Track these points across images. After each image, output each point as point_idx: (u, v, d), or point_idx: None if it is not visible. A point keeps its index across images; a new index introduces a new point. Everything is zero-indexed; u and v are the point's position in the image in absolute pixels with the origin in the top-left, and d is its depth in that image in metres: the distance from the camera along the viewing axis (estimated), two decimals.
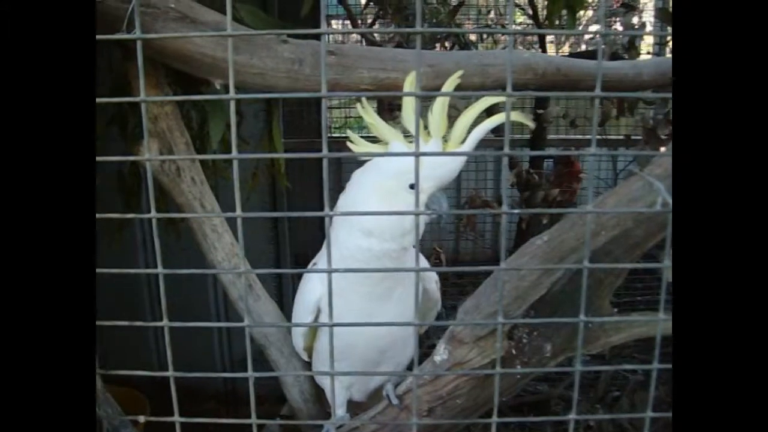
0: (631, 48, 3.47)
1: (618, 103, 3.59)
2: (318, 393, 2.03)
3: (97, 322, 1.27)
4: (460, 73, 1.51)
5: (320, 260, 1.82)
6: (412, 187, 1.54)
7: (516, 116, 1.49)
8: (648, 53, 4.67)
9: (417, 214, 1.18)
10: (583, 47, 7.00)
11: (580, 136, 5.00)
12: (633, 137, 4.39)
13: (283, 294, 3.87)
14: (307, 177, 3.88)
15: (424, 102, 1.57)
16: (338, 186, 1.72)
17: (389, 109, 3.27)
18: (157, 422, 1.31)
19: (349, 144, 1.64)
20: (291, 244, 3.98)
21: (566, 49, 7.11)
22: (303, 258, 1.79)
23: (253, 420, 1.32)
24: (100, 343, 3.89)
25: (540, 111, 4.15)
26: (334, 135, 5.70)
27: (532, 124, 1.52)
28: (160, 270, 1.21)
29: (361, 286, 1.69)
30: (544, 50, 4.95)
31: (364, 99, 1.58)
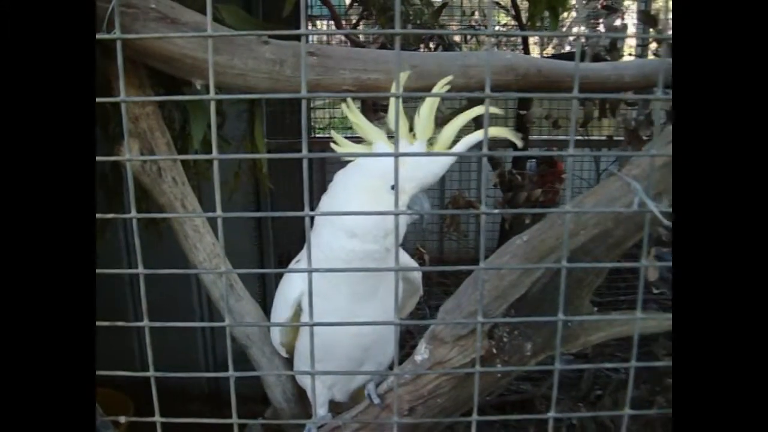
0: (613, 50, 3.49)
1: (600, 105, 3.61)
2: (300, 393, 2.03)
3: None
4: (448, 79, 1.51)
5: (303, 259, 1.82)
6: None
7: (505, 132, 1.53)
8: (630, 55, 4.70)
9: (397, 214, 1.19)
10: (567, 48, 7.04)
11: (563, 137, 5.02)
12: (615, 138, 4.42)
13: (267, 294, 3.85)
14: (291, 178, 3.87)
15: (409, 104, 1.57)
16: (323, 187, 1.72)
17: (374, 110, 3.27)
18: (141, 423, 1.32)
19: (332, 145, 1.64)
20: (275, 244, 3.98)
21: (550, 50, 7.15)
22: (287, 258, 1.80)
23: (234, 420, 1.32)
24: None
25: (523, 112, 4.16)
26: (317, 136, 5.70)
27: (519, 143, 1.53)
28: (140, 270, 1.20)
29: (344, 286, 1.69)
30: (527, 52, 4.98)
31: (349, 99, 1.57)
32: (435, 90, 1.52)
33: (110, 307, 3.79)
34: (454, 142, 1.53)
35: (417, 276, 1.95)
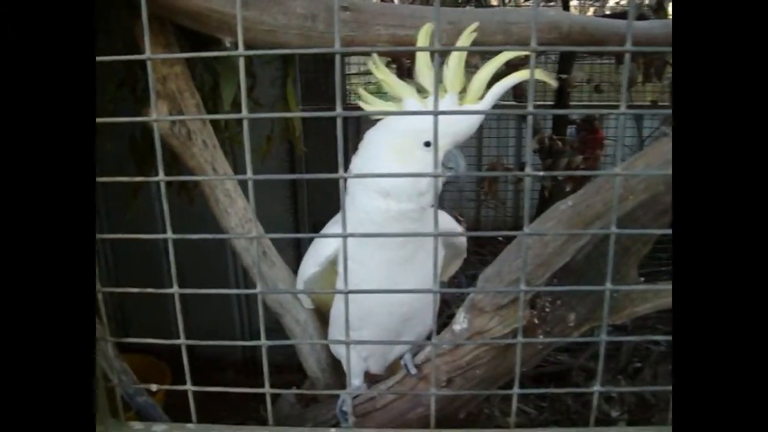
0: (660, 10, 3.36)
1: (644, 68, 3.49)
2: (335, 363, 1.99)
3: (108, 289, 1.25)
4: (475, 25, 1.43)
5: (338, 221, 1.75)
6: (427, 144, 1.48)
7: (538, 74, 1.40)
8: None
9: (435, 176, 1.12)
10: (607, 13, 6.84)
11: (604, 102, 4.90)
12: (659, 103, 4.30)
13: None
14: (327, 144, 3.81)
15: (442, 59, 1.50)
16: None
17: (410, 75, 3.19)
18: (179, 390, 1.30)
19: (361, 103, 1.58)
20: (310, 211, 3.95)
21: (590, 14, 6.96)
22: (321, 225, 1.75)
23: (267, 389, 1.29)
24: (120, 311, 3.88)
25: (563, 76, 4.05)
26: (352, 102, 5.64)
27: (554, 83, 1.44)
28: (169, 235, 1.17)
29: (382, 250, 1.62)
30: None
31: (375, 55, 1.51)
32: (462, 39, 1.44)
33: (146, 275, 3.81)
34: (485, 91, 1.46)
35: (463, 241, 1.88)
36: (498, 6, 4.82)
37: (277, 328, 1.98)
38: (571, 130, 4.68)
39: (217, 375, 3.94)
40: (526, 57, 1.23)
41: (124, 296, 3.85)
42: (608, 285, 1.13)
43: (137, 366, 2.12)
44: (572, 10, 5.34)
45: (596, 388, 1.26)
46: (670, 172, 1.37)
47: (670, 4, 3.49)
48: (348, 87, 5.96)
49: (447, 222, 1.83)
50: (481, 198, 5.00)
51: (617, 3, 6.48)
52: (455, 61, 1.44)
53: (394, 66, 2.84)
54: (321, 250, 1.73)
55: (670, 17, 3.62)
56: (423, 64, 1.46)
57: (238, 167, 2.13)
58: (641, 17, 3.22)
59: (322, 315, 1.95)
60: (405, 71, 2.73)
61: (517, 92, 4.64)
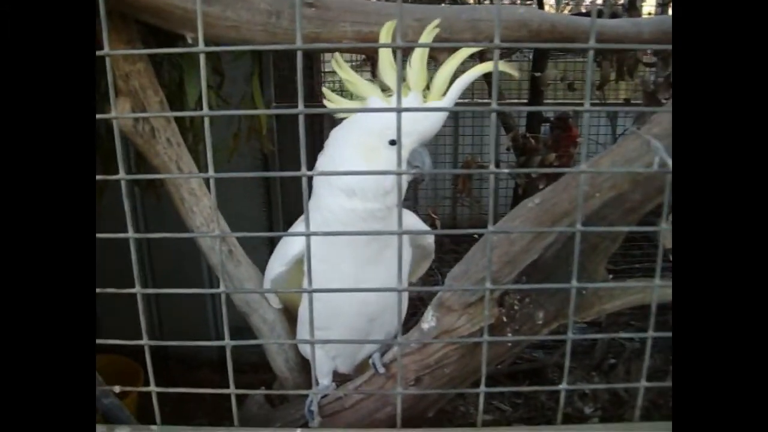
0: (632, 8, 3.37)
1: (617, 66, 3.50)
2: (304, 362, 1.97)
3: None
4: (437, 21, 1.43)
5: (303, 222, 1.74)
6: (392, 143, 1.47)
7: (503, 66, 1.39)
8: (649, 14, 4.55)
9: (399, 174, 1.11)
10: (583, 11, 6.87)
11: (578, 100, 4.91)
12: (632, 102, 4.32)
13: None
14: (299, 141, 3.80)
15: (405, 57, 1.49)
16: None
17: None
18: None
19: (325, 101, 1.57)
20: (284, 210, 3.92)
21: (566, 12, 6.99)
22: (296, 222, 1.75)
23: (232, 390, 1.27)
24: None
25: (537, 74, 4.06)
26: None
27: (516, 74, 1.43)
28: (130, 234, 1.15)
29: (348, 250, 1.61)
30: None
31: (337, 55, 1.51)
32: (424, 36, 1.43)
33: (117, 275, 3.76)
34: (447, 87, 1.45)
35: (429, 239, 1.87)
36: (474, 2, 4.83)
37: (250, 327, 1.96)
38: (545, 128, 4.69)
39: (191, 374, 3.91)
40: (502, 54, 1.23)
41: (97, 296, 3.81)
42: (574, 282, 1.13)
43: (109, 367, 2.09)
44: (547, 8, 5.36)
45: (563, 386, 1.26)
46: (635, 169, 1.39)
47: (643, 3, 3.51)
48: (325, 86, 5.94)
49: (412, 222, 1.83)
50: (456, 195, 4.99)
51: (592, 2, 6.50)
52: (418, 59, 1.43)
53: (368, 63, 2.83)
54: (287, 249, 1.72)
55: (644, 15, 3.65)
56: (386, 62, 1.45)
57: (204, 165, 2.11)
58: (614, 15, 3.23)
59: (291, 315, 1.94)
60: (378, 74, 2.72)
61: (492, 89, 4.67)
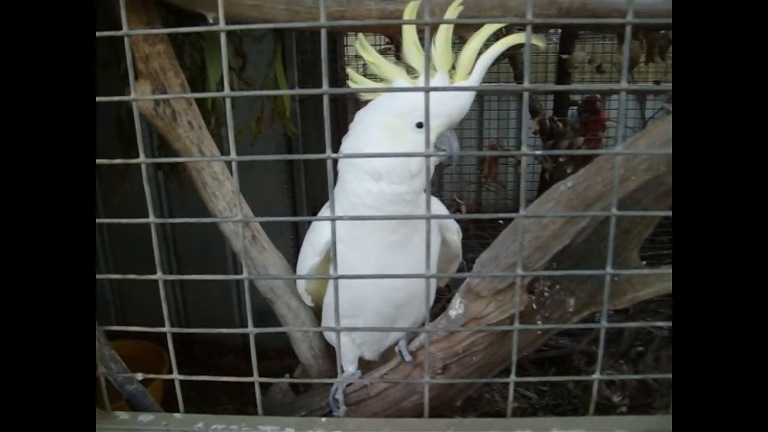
0: None
1: (648, 47, 3.41)
2: (329, 349, 1.94)
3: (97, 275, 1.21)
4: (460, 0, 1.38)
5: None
6: (419, 126, 1.43)
7: (533, 40, 1.35)
8: None
9: (426, 156, 1.07)
10: None
11: (606, 83, 4.83)
12: (663, 83, 4.23)
13: (300, 245, 3.79)
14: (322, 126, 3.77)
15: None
16: None
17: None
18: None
19: (350, 83, 1.54)
20: (307, 193, 3.90)
21: None
22: (320, 207, 1.70)
23: (255, 378, 1.26)
24: (119, 296, 3.84)
25: (564, 56, 3.98)
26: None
27: (542, 44, 1.38)
28: (151, 219, 1.14)
29: (376, 234, 1.58)
30: None
31: (361, 36, 1.47)
32: (448, 12, 1.39)
33: (145, 260, 3.76)
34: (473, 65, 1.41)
35: (456, 240, 1.84)
36: None
37: (274, 312, 1.94)
38: (572, 111, 4.62)
39: (217, 360, 3.92)
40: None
41: (122, 281, 3.83)
42: (609, 269, 1.09)
43: (134, 352, 2.08)
44: None
45: (596, 375, 1.22)
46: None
47: None
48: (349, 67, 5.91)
49: (439, 210, 1.81)
50: (482, 180, 4.94)
51: None
52: (442, 38, 1.39)
53: (392, 47, 2.78)
54: (317, 238, 1.69)
55: None
56: (411, 42, 1.42)
57: (226, 150, 2.09)
58: None
59: (316, 305, 1.91)
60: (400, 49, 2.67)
61: (518, 73, 4.60)
